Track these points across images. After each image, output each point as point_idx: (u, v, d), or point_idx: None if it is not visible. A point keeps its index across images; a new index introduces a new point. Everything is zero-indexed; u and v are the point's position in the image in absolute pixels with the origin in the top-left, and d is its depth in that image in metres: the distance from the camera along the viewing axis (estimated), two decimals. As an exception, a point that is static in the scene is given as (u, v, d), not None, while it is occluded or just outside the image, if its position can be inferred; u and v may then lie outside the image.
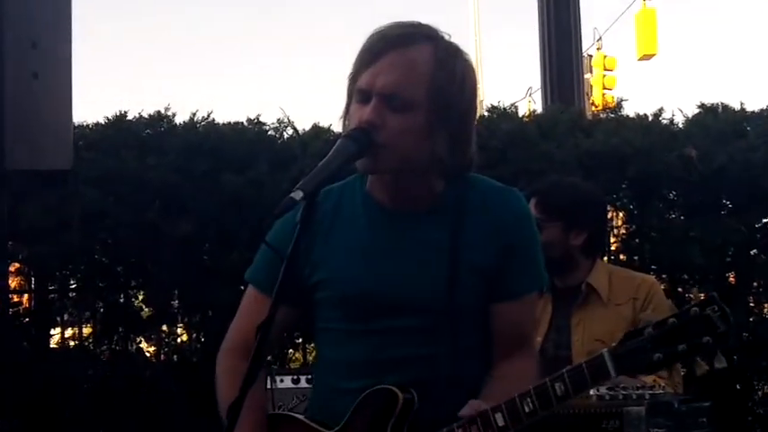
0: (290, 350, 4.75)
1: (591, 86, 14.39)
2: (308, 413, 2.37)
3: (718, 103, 4.92)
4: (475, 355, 2.24)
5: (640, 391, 3.13)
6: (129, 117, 4.84)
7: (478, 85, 2.48)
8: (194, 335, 4.74)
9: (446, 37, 2.18)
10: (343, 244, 2.26)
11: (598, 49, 15.28)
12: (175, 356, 4.70)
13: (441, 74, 2.11)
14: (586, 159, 4.59)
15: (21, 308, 4.80)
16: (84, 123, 4.78)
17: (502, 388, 2.13)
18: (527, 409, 2.04)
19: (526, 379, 2.15)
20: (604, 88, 14.63)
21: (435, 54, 2.12)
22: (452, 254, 2.19)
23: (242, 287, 4.30)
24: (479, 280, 2.20)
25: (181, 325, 4.79)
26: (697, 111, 4.95)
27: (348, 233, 2.27)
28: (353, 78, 2.15)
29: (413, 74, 2.09)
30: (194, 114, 4.81)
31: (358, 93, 2.13)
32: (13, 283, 4.76)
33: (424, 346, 2.19)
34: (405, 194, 2.23)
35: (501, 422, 2.04)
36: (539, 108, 8.03)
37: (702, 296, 2.33)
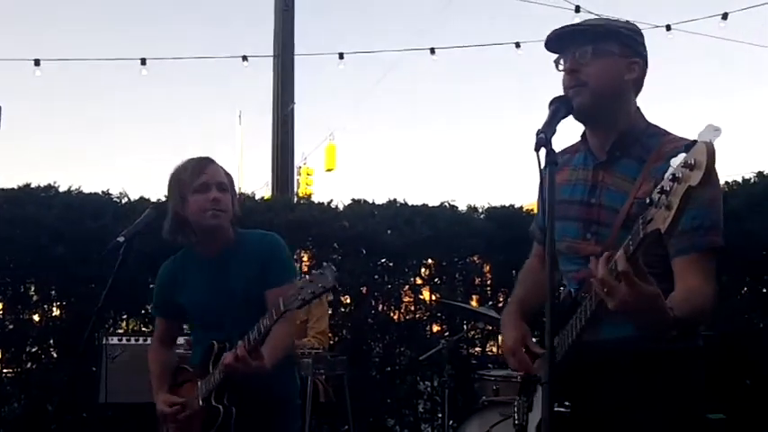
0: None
1: (299, 184, 17.96)
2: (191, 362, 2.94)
3: (361, 198, 6.45)
4: (254, 321, 2.56)
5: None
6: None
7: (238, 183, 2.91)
8: None
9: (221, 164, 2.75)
10: (190, 283, 2.83)
11: (304, 163, 19.59)
12: None
13: (230, 178, 2.77)
14: (292, 225, 5.87)
15: None
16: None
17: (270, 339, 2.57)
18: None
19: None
20: (306, 185, 18.52)
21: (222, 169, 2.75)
22: (244, 275, 2.72)
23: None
24: (256, 281, 2.69)
25: None
26: (350, 201, 6.43)
27: (191, 278, 2.84)
28: (186, 185, 2.67)
29: (224, 176, 2.75)
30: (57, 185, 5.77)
31: (200, 186, 2.64)
32: None
33: (230, 329, 2.69)
34: (214, 244, 2.77)
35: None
36: (268, 194, 8.88)
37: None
